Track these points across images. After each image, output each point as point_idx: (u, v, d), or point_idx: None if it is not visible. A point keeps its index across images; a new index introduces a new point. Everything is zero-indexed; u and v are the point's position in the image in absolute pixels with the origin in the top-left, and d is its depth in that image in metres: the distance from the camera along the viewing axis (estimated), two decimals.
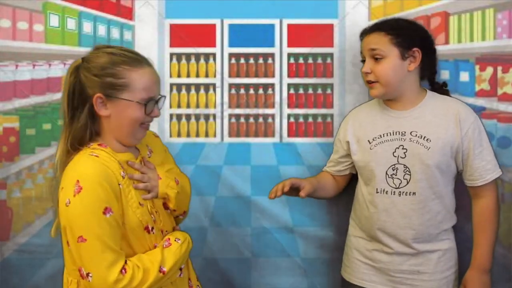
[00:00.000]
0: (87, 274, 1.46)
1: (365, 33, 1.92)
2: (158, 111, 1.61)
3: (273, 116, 2.26)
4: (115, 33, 2.24)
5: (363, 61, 1.91)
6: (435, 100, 1.93)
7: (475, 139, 1.87)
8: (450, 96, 2.00)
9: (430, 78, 2.00)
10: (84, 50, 2.19)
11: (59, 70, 2.20)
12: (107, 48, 1.59)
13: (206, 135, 2.26)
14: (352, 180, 2.10)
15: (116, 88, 1.52)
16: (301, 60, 2.26)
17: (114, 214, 1.48)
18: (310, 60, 2.26)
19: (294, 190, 1.92)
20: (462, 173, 1.92)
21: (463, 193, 1.96)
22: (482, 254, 1.91)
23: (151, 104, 1.57)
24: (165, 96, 1.64)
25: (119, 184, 1.52)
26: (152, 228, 1.59)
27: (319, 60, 2.25)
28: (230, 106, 2.25)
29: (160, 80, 1.65)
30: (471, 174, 1.89)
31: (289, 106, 2.26)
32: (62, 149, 1.56)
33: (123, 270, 1.47)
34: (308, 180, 1.99)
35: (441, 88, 2.00)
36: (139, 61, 1.57)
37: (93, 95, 1.53)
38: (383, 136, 1.91)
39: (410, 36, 1.87)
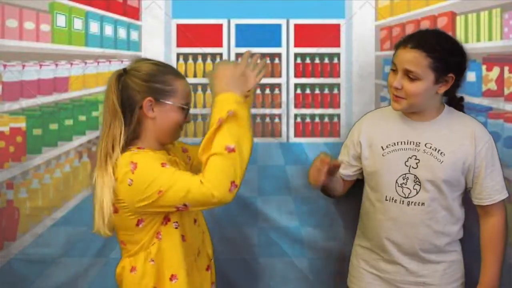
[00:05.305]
0: (186, 194, 1.54)
1: (404, 45, 1.82)
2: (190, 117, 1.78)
3: (279, 116, 2.26)
4: (122, 33, 2.24)
5: (393, 70, 1.84)
6: (452, 115, 1.92)
7: (488, 158, 1.86)
8: (464, 111, 1.98)
9: (451, 93, 1.92)
10: (91, 50, 2.22)
11: (65, 70, 2.20)
12: (150, 60, 1.75)
13: None
14: (359, 190, 2.07)
15: (164, 93, 1.69)
16: (307, 60, 2.26)
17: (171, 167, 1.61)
18: (317, 60, 2.26)
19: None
20: (471, 191, 1.91)
21: (471, 206, 1.95)
22: (490, 273, 1.90)
23: (187, 110, 1.74)
24: (189, 108, 1.76)
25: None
26: None
27: (326, 60, 2.26)
28: None
29: None
30: (479, 192, 1.89)
31: (295, 106, 2.26)
32: (103, 150, 1.66)
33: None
34: None
35: (458, 104, 1.97)
36: (179, 73, 1.78)
37: (141, 99, 1.67)
38: (397, 144, 1.90)
39: (449, 62, 1.80)
